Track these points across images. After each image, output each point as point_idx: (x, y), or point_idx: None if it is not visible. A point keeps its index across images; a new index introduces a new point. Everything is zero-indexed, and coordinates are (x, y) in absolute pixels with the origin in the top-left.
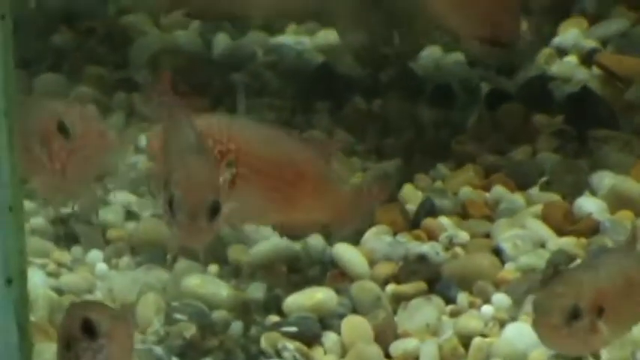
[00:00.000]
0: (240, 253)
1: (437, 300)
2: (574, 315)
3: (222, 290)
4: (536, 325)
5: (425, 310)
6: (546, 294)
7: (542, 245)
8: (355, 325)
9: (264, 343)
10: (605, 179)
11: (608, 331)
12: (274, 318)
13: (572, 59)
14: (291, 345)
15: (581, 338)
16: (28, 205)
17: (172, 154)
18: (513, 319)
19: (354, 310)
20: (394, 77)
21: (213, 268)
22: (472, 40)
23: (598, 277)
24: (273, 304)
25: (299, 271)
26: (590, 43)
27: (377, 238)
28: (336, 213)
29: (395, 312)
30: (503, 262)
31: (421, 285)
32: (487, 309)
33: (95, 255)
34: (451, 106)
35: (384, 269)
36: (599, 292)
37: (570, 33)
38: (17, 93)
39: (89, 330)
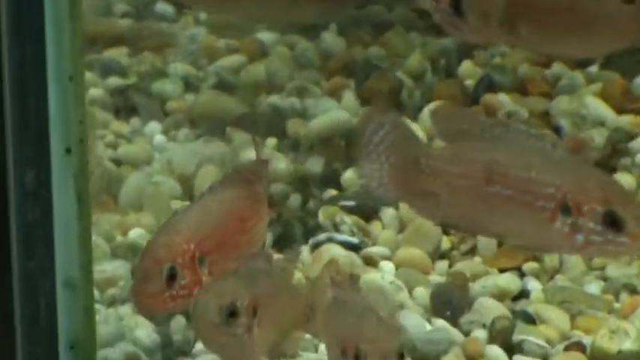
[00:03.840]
0: (299, 126)
1: None
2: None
3: (280, 163)
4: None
5: None
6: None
7: (602, 123)
8: None
9: (321, 216)
10: None
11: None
12: (332, 192)
13: None
14: (348, 219)
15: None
16: (88, 75)
17: None
18: None
19: None
20: None
21: (272, 141)
22: None
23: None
24: (332, 178)
25: (357, 145)
26: None
27: None
28: None
29: None
30: (562, 139)
31: None
32: None
33: (154, 126)
34: None
35: None
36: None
37: None
38: None
39: None
